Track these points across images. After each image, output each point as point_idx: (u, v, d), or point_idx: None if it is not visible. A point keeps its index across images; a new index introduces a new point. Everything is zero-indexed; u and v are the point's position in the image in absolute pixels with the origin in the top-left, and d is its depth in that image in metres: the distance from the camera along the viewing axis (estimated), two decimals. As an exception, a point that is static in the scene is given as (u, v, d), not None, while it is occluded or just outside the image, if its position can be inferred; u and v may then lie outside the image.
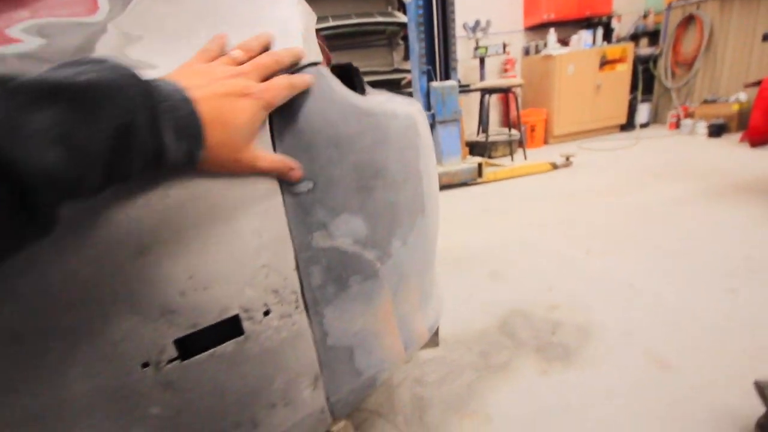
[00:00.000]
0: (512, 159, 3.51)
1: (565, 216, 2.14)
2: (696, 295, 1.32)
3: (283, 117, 0.43)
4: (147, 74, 0.32)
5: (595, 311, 1.30)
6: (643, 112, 4.37)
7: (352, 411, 0.60)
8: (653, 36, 4.36)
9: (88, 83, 0.27)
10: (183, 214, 0.38)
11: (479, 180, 2.88)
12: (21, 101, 0.23)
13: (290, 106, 0.43)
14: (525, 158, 3.43)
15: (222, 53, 0.42)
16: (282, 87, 0.41)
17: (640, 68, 4.27)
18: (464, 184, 2.87)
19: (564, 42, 4.08)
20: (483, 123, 3.67)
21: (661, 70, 4.33)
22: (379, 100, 0.54)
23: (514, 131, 3.71)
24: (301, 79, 0.43)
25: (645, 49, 4.33)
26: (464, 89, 3.27)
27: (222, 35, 0.43)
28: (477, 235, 2.04)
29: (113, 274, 0.36)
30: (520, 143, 3.61)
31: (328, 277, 0.48)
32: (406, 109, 0.54)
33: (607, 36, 4.19)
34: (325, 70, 0.47)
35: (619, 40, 4.22)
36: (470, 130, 3.96)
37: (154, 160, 0.32)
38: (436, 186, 0.61)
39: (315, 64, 0.46)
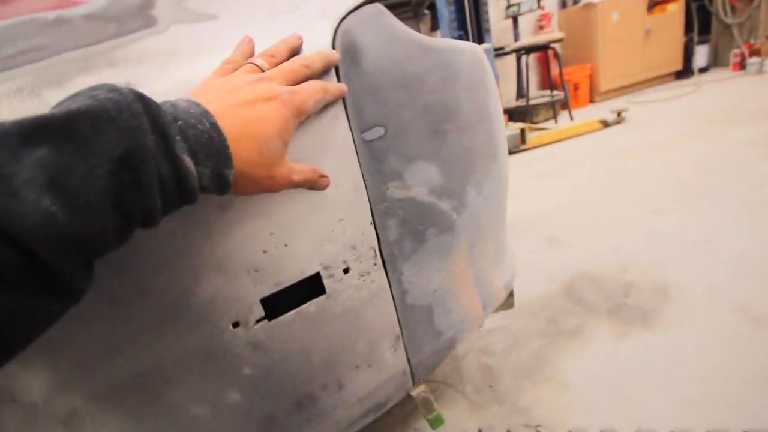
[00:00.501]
0: (556, 122, 3.32)
1: (624, 174, 1.99)
2: (788, 246, 1.18)
3: (346, 60, 0.40)
4: (208, 27, 0.29)
5: (671, 271, 1.20)
6: (701, 54, 3.96)
7: (430, 374, 0.58)
8: (707, -31, 3.91)
9: (74, 113, 0.22)
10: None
11: (523, 147, 2.74)
12: (6, 149, 0.20)
13: (353, 46, 0.40)
14: (571, 119, 3.23)
15: (243, 63, 0.37)
16: (313, 91, 0.35)
17: (694, 6, 3.85)
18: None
19: (605, -12, 3.74)
20: (521, 87, 3.48)
21: (719, 5, 3.88)
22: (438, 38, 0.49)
23: (556, 92, 3.49)
24: (335, 86, 0.37)
25: (699, -16, 3.89)
26: (498, 52, 3.10)
27: (247, 40, 0.37)
28: (529, 201, 1.94)
29: (199, 231, 0.35)
30: (564, 104, 3.39)
31: (405, 230, 0.45)
32: (470, 45, 0.49)
33: (655, -25, 3.80)
34: (384, 7, 0.43)
35: (668, -21, 3.82)
36: (507, 96, 3.78)
37: (178, 190, 0.27)
38: (504, 129, 0.56)
39: (374, 0, 0.42)
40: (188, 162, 0.27)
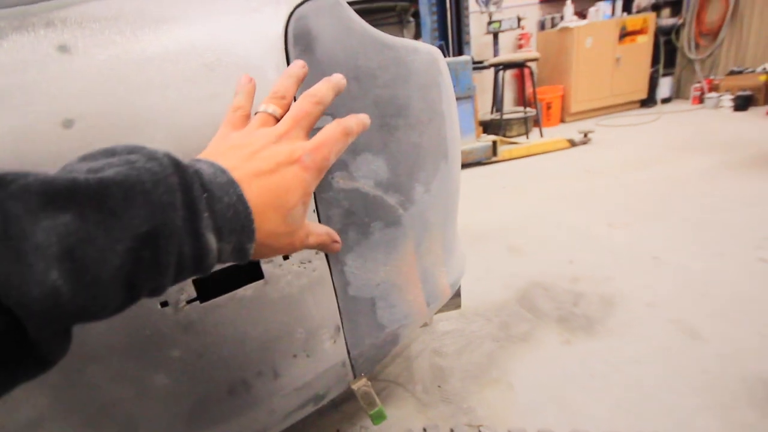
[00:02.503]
0: (527, 137, 3.43)
1: (585, 191, 2.08)
2: (724, 266, 1.27)
3: (299, 46, 0.40)
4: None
5: (619, 283, 1.26)
6: (665, 86, 4.20)
7: (373, 368, 0.59)
8: (676, 5, 4.17)
9: (108, 182, 0.21)
10: (198, 146, 0.36)
11: (494, 159, 2.82)
12: (23, 208, 0.18)
13: (307, 34, 0.40)
14: (541, 136, 3.34)
15: (252, 106, 0.35)
16: (335, 140, 0.32)
17: (662, 40, 4.09)
18: (478, 163, 2.82)
19: (581, 14, 3.93)
20: (497, 101, 3.58)
21: (684, 41, 4.14)
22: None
23: (529, 109, 3.61)
24: (358, 122, 0.34)
25: (667, 19, 4.14)
26: (478, 66, 3.18)
27: (246, 80, 0.35)
28: (493, 211, 2.00)
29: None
30: (536, 121, 3.52)
31: (349, 221, 0.46)
32: (427, 46, 0.51)
33: (627, 6, 4.02)
34: (342, 0, 0.44)
35: (639, 11, 4.04)
36: (483, 109, 3.87)
37: (194, 266, 0.25)
38: (458, 132, 0.58)
39: None
40: (211, 240, 0.25)
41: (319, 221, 0.44)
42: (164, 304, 0.37)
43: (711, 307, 1.10)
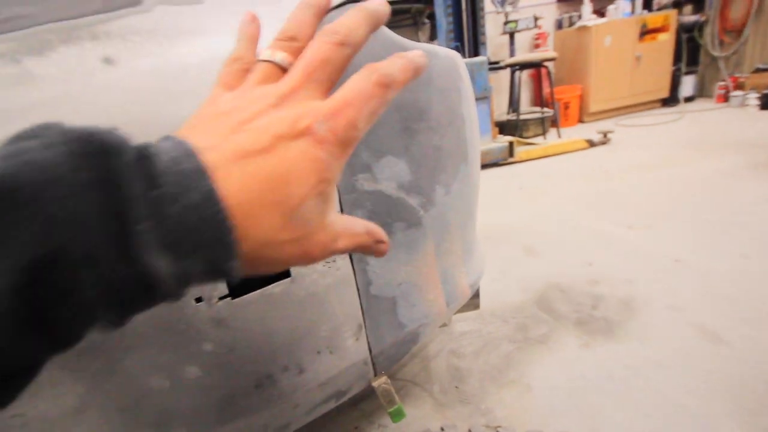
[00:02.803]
0: (545, 138, 3.39)
1: (604, 192, 2.05)
2: (748, 269, 1.24)
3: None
4: (192, 10, 0.26)
5: (639, 286, 1.24)
6: (688, 84, 4.10)
7: (392, 366, 0.60)
8: (698, 2, 4.06)
9: None
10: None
11: (510, 159, 2.80)
12: None
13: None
14: (559, 137, 3.30)
15: (255, 54, 0.26)
16: (364, 97, 0.22)
17: (684, 37, 3.99)
18: (495, 164, 2.80)
19: (600, 13, 3.86)
20: (513, 101, 3.56)
21: (708, 38, 4.03)
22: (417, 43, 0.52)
23: (546, 109, 3.57)
24: (402, 64, 0.23)
25: (689, 16, 4.04)
26: (494, 66, 3.17)
27: (249, 19, 0.28)
28: (510, 212, 1.98)
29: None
30: (554, 122, 3.48)
31: (372, 222, 0.47)
32: (447, 50, 0.52)
33: (647, 4, 3.93)
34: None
35: (660, 8, 3.96)
36: (499, 110, 3.85)
37: (145, 297, 0.18)
38: (478, 135, 0.59)
39: (356, 0, 0.44)
40: (157, 263, 0.17)
41: (344, 222, 0.45)
42: (198, 299, 0.40)
43: (734, 310, 1.07)
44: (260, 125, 0.21)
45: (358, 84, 0.22)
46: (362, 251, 0.27)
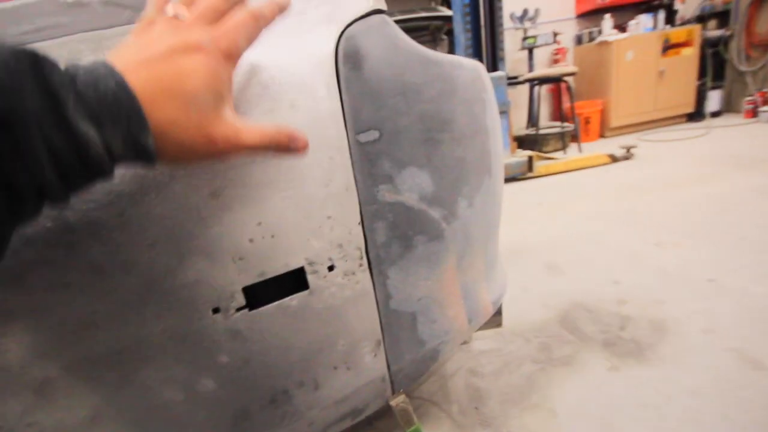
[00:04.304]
0: (565, 153, 3.34)
1: (629, 209, 1.98)
2: (792, 291, 1.16)
3: (348, 64, 0.41)
4: None
5: (671, 307, 1.18)
6: (714, 99, 3.98)
7: (411, 385, 0.58)
8: (723, 16, 3.98)
9: None
10: (252, 159, 0.38)
11: (530, 174, 2.75)
12: None
13: (356, 52, 0.41)
14: (580, 152, 3.24)
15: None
16: (241, 24, 0.31)
17: (709, 52, 3.90)
18: (513, 179, 2.76)
19: (621, 28, 3.83)
20: (533, 116, 3.52)
21: (734, 52, 3.93)
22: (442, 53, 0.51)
23: (566, 124, 3.52)
24: (270, 4, 0.32)
25: (714, 31, 3.95)
26: (512, 81, 3.16)
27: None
28: (530, 228, 1.94)
29: (189, 214, 0.36)
30: (574, 136, 3.42)
31: (393, 234, 0.46)
32: (471, 61, 0.51)
33: (670, 19, 3.88)
34: (390, 18, 0.45)
35: (683, 23, 3.89)
36: (518, 125, 3.82)
37: (79, 161, 0.23)
38: (501, 147, 0.57)
39: (381, 11, 0.44)
40: (85, 127, 0.23)
41: (364, 233, 0.44)
42: (216, 310, 0.39)
43: (777, 336, 1.00)
44: (160, 45, 0.28)
45: (236, 17, 0.31)
46: (278, 149, 0.33)
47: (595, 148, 3.33)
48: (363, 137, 0.42)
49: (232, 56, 0.30)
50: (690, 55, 3.78)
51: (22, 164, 0.21)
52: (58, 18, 0.33)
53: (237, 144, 0.30)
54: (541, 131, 3.42)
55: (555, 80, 3.18)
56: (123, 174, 0.33)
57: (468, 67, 0.49)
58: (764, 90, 3.69)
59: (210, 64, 0.28)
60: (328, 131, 0.40)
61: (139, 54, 0.27)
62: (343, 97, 0.41)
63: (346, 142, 0.42)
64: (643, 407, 0.85)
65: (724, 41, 3.92)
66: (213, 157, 0.30)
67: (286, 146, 0.33)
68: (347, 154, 0.42)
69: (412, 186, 0.45)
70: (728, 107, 4.10)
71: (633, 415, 0.84)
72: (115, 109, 0.24)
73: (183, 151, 0.28)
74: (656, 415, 0.83)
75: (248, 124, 0.31)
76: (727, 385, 0.88)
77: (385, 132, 0.43)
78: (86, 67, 0.24)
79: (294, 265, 0.41)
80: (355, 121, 0.42)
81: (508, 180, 2.74)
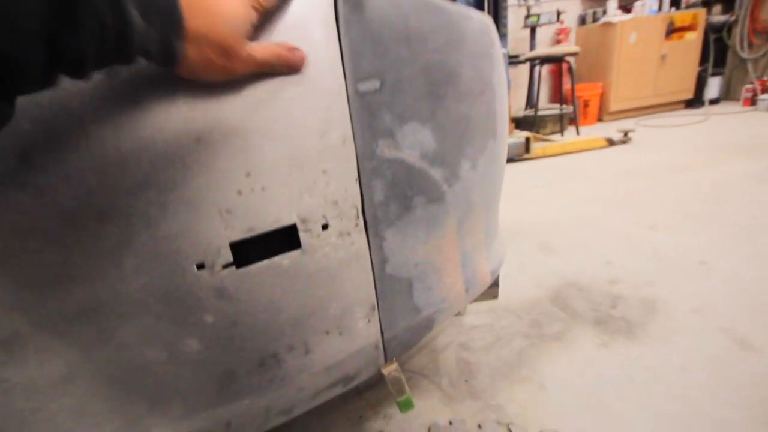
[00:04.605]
0: (562, 135, 3.31)
1: (624, 192, 1.98)
2: (782, 274, 1.17)
3: (348, 4, 0.38)
4: None
5: (662, 287, 1.18)
6: (714, 86, 3.95)
7: (404, 354, 0.56)
8: (728, 1, 3.91)
9: None
10: (241, 102, 0.34)
11: (526, 156, 2.73)
12: None
13: (358, -9, 0.38)
14: (578, 134, 3.22)
15: None
16: None
17: (712, 37, 3.85)
18: (510, 160, 2.74)
19: (626, 9, 3.74)
20: (532, 97, 3.47)
21: (737, 39, 3.88)
22: (449, 4, 0.47)
23: (565, 106, 3.47)
24: None
25: (718, 16, 3.89)
26: (513, 60, 3.09)
27: None
28: (525, 210, 1.93)
29: (171, 160, 0.33)
30: (572, 119, 3.38)
31: (392, 193, 0.43)
32: (480, 13, 0.47)
33: (675, 1, 3.80)
34: (395, -42, 0.41)
35: (688, 6, 3.81)
36: (516, 105, 3.77)
37: (117, 46, 0.25)
38: (507, 109, 0.55)
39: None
40: (134, 13, 0.25)
41: (361, 190, 0.42)
42: (200, 266, 0.36)
43: (764, 316, 1.01)
44: None
45: None
46: (282, 62, 0.35)
47: (592, 132, 3.30)
48: (363, 86, 0.39)
49: (261, 11, 0.33)
50: (693, 39, 3.72)
51: (75, 34, 0.22)
52: None
53: (251, 62, 0.33)
54: (540, 113, 3.37)
55: (557, 60, 3.12)
56: (98, 107, 0.30)
57: (477, 18, 0.46)
58: (764, 78, 3.66)
59: (246, 5, 0.32)
60: (325, 77, 0.37)
61: None
62: (342, 41, 0.38)
63: (345, 90, 0.38)
64: (632, 383, 0.86)
65: (727, 27, 3.86)
66: (225, 74, 0.32)
67: (287, 59, 0.35)
68: (345, 104, 0.38)
69: (414, 142, 0.42)
70: (727, 95, 4.08)
71: (621, 391, 0.85)
72: (160, 8, 0.26)
73: (201, 64, 0.30)
74: (644, 392, 0.84)
75: (258, 44, 0.33)
76: (716, 363, 0.89)
77: (386, 82, 0.40)
78: None
79: (285, 222, 0.38)
80: (354, 68, 0.38)
81: (504, 160, 2.71)
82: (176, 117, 0.33)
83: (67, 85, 0.26)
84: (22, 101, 0.24)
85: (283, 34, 0.36)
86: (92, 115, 0.30)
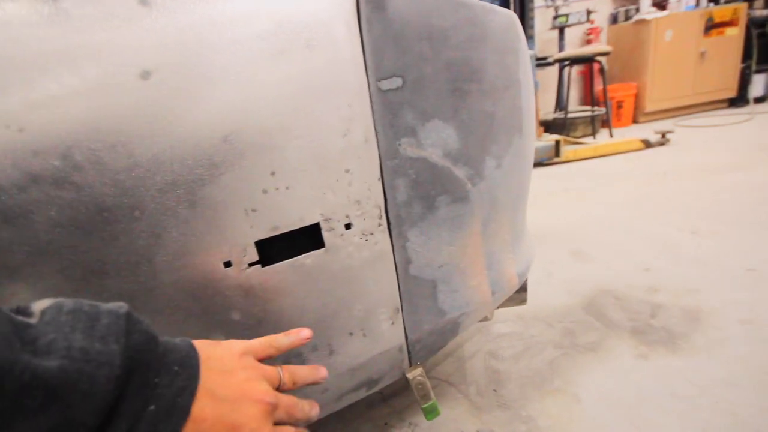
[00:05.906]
0: (595, 138, 3.20)
1: (663, 196, 1.88)
2: None
3: (371, 3, 0.38)
4: None
5: (706, 296, 1.11)
6: (759, 83, 3.72)
7: (429, 357, 0.55)
8: (774, -6, 3.68)
9: (40, 379, 0.20)
10: (265, 101, 0.35)
11: (556, 159, 2.65)
12: None
13: (379, -10, 0.38)
14: (611, 137, 3.10)
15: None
16: (298, 408, 0.35)
17: (755, 33, 3.62)
18: (539, 163, 2.67)
19: (660, 5, 3.60)
20: (561, 100, 3.38)
21: (785, 33, 3.64)
22: None
23: (597, 108, 3.36)
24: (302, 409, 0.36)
25: (761, 10, 3.66)
26: (541, 62, 3.03)
27: (297, 334, 0.37)
28: (557, 213, 1.87)
29: (199, 159, 0.34)
30: (605, 121, 3.27)
31: (415, 193, 0.43)
32: (505, 9, 0.46)
33: (715, -4, 3.62)
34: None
35: (728, 1, 3.62)
36: (545, 109, 3.68)
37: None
38: (533, 105, 0.53)
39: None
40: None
41: (384, 190, 0.42)
42: (227, 264, 0.37)
43: (826, 329, 0.93)
44: (240, 392, 0.30)
45: (301, 406, 0.35)
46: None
47: (627, 134, 3.17)
48: (385, 84, 0.39)
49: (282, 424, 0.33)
50: (734, 35, 3.52)
51: None
52: None
53: None
54: (570, 115, 3.28)
55: (587, 60, 3.03)
56: (132, 109, 0.31)
57: (501, 13, 0.45)
58: (817, 74, 3.41)
59: (266, 420, 0.31)
60: (347, 75, 0.37)
61: (219, 385, 0.29)
62: (365, 39, 0.38)
63: (367, 88, 0.38)
64: (674, 397, 0.81)
65: (773, 21, 3.63)
66: None
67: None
68: (367, 102, 0.38)
69: (437, 141, 0.42)
70: (775, 92, 3.82)
71: (662, 405, 0.79)
72: (169, 417, 0.26)
73: None
74: (688, 407, 0.78)
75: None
76: (766, 377, 0.82)
77: (408, 79, 0.40)
78: (169, 394, 0.27)
79: (309, 221, 0.39)
80: (376, 66, 0.39)
81: (533, 165, 2.65)
82: (204, 117, 0.34)
83: (102, 93, 0.27)
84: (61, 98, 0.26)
85: (305, 33, 0.36)
86: (126, 117, 0.32)
